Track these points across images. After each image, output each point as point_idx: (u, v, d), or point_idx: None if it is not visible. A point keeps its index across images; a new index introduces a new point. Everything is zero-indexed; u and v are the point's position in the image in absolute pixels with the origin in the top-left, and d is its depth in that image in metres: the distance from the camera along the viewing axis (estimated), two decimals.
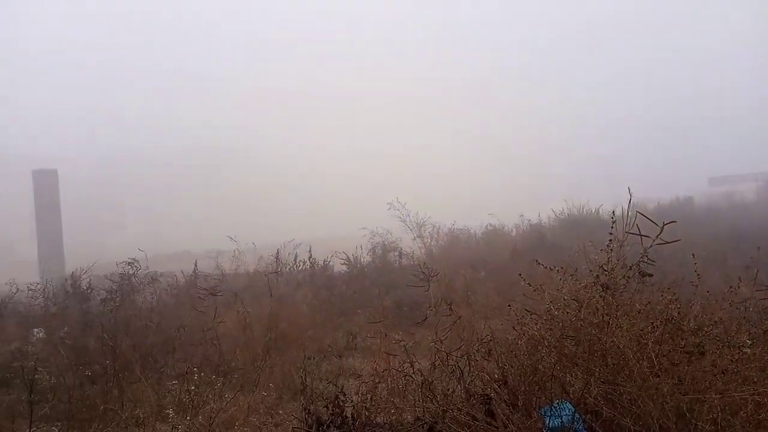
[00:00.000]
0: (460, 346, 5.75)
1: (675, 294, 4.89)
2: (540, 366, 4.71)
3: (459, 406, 4.78)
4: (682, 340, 4.57)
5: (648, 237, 4.90)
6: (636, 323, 4.69)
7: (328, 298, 14.99)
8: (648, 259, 4.89)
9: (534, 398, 4.69)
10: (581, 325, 4.65)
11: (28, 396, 6.90)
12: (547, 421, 4.35)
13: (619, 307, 4.77)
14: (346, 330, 11.92)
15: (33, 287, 14.57)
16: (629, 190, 5.30)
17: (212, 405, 6.56)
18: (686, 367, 4.41)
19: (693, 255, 5.17)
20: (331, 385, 6.50)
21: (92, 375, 8.24)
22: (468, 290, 10.74)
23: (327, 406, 5.62)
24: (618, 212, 5.28)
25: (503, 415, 4.54)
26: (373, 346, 9.22)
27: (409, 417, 5.45)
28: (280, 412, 7.00)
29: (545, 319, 5.02)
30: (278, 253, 17.91)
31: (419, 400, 5.26)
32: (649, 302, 4.94)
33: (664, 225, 4.86)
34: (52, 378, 8.34)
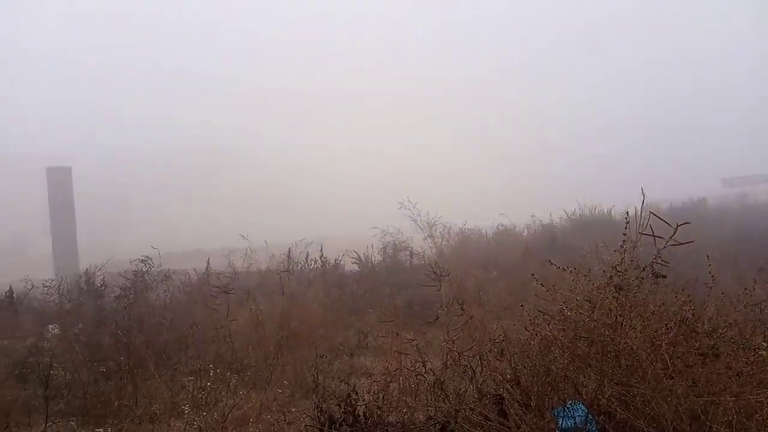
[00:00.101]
0: (472, 346, 5.75)
1: (689, 295, 4.87)
2: (553, 366, 4.71)
3: (471, 406, 4.79)
4: (696, 341, 4.55)
5: (661, 238, 4.89)
6: (650, 324, 4.68)
7: (339, 296, 15.03)
8: (661, 260, 4.87)
9: (547, 399, 4.68)
10: (594, 325, 4.64)
11: (44, 391, 7.00)
12: (560, 422, 4.35)
13: (633, 308, 4.75)
14: (358, 329, 11.94)
15: (48, 284, 14.72)
16: (642, 190, 5.29)
17: (226, 402, 6.61)
18: (700, 369, 4.40)
19: (707, 256, 5.15)
20: (343, 384, 6.53)
21: (106, 371, 8.31)
22: (479, 290, 10.73)
23: (339, 405, 5.65)
24: (631, 213, 5.26)
25: (516, 415, 4.54)
26: (385, 345, 9.23)
27: (421, 416, 5.47)
28: (293, 410, 7.04)
29: (558, 320, 5.01)
30: (290, 251, 17.98)
31: (431, 400, 5.27)
32: (663, 303, 4.92)
33: (677, 226, 4.84)
34: (67, 374, 8.43)
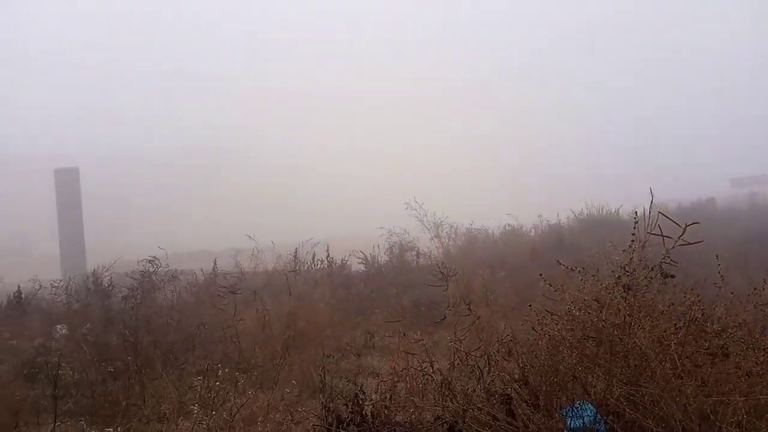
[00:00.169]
0: (480, 346, 5.75)
1: (698, 295, 4.85)
2: (561, 366, 4.69)
3: (479, 406, 4.78)
4: (705, 341, 4.53)
5: (670, 238, 4.86)
6: (658, 324, 4.66)
7: (345, 296, 15.04)
8: (670, 260, 4.85)
9: (555, 399, 4.67)
10: (603, 325, 4.63)
11: (53, 391, 7.04)
12: (569, 422, 4.34)
13: (641, 308, 4.73)
14: (364, 329, 11.95)
15: (56, 284, 14.78)
16: (651, 190, 5.26)
17: (233, 402, 6.62)
18: (710, 369, 4.38)
19: (716, 256, 5.12)
20: (350, 384, 6.53)
21: (114, 371, 8.35)
22: (487, 290, 10.72)
23: (346, 404, 5.65)
24: (639, 213, 5.24)
25: (524, 415, 4.53)
26: (391, 345, 9.22)
27: (428, 416, 5.46)
28: (300, 409, 7.04)
29: (566, 320, 5.00)
30: (296, 251, 18.01)
31: (439, 400, 5.27)
32: (672, 303, 4.90)
33: (686, 226, 4.82)
34: (76, 374, 8.47)
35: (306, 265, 18.09)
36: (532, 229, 26.10)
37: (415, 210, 23.61)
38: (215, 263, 17.58)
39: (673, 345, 4.41)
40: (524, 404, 4.67)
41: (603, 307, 4.75)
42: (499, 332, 5.90)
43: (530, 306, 5.55)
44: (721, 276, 4.95)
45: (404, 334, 8.08)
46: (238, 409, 6.35)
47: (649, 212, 5.20)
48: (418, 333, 7.96)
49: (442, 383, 5.28)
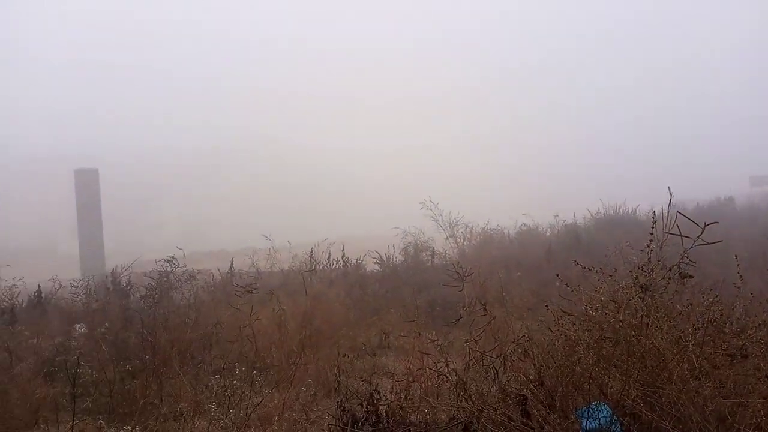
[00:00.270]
0: (495, 347, 5.73)
1: (716, 295, 4.80)
2: (577, 367, 4.67)
3: (494, 406, 4.77)
4: (724, 342, 4.49)
5: (688, 237, 4.82)
6: (676, 325, 4.62)
7: (361, 296, 15.06)
8: (689, 259, 4.81)
9: (571, 399, 4.65)
10: (620, 326, 4.60)
11: (71, 389, 7.13)
12: (584, 423, 4.31)
13: (659, 308, 4.70)
14: (379, 328, 11.95)
15: (75, 284, 14.97)
16: (669, 189, 5.21)
17: (249, 401, 6.66)
18: (728, 371, 4.33)
19: (735, 256, 5.06)
20: (365, 384, 6.54)
21: (132, 370, 8.42)
22: (502, 290, 10.66)
23: (362, 404, 5.66)
24: (657, 212, 5.20)
25: (539, 415, 4.51)
26: (406, 345, 9.22)
27: (443, 416, 5.46)
28: (315, 409, 7.07)
29: (583, 320, 4.97)
30: (312, 251, 18.08)
31: (454, 400, 5.26)
32: (691, 304, 4.85)
33: (705, 225, 4.77)
34: (94, 372, 8.57)
35: (321, 265, 18.15)
36: (548, 229, 25.95)
37: (431, 210, 23.62)
38: (232, 263, 17.72)
39: (691, 346, 4.37)
40: (540, 405, 4.65)
41: (620, 308, 4.72)
42: (515, 332, 5.87)
43: (546, 306, 5.52)
44: (740, 276, 4.90)
45: (419, 334, 8.08)
46: (254, 408, 6.39)
47: (668, 211, 5.15)
48: (433, 333, 7.98)
49: (457, 383, 5.27)
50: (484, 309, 6.51)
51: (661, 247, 5.00)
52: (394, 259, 20.04)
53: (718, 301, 4.75)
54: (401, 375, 7.08)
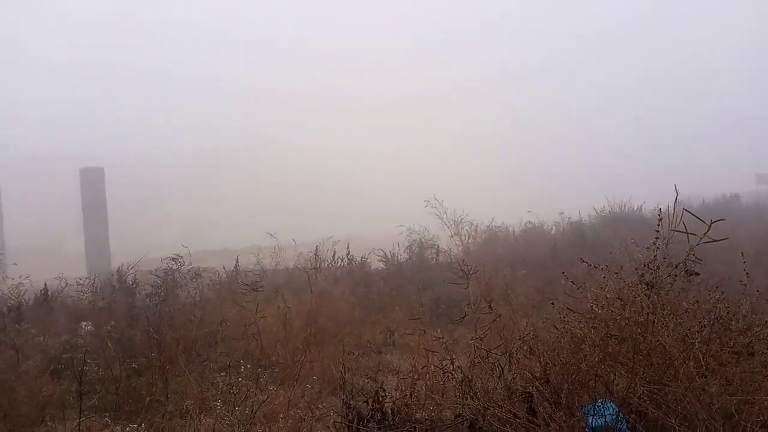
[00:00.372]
0: (501, 344, 5.73)
1: (723, 293, 4.79)
2: (583, 364, 4.66)
3: (500, 404, 4.77)
4: (730, 340, 4.48)
5: (694, 235, 4.81)
6: (682, 322, 4.61)
7: (366, 294, 15.06)
8: (695, 257, 4.80)
9: (577, 397, 4.64)
10: (626, 323, 4.59)
11: (78, 387, 7.14)
12: (590, 421, 4.31)
13: (665, 305, 4.69)
14: (384, 326, 11.97)
15: (81, 282, 15.01)
16: (675, 187, 5.19)
17: (255, 398, 6.68)
18: (734, 368, 4.32)
19: (742, 254, 5.05)
20: (370, 381, 6.55)
21: (138, 367, 8.45)
22: (507, 288, 10.66)
23: (367, 401, 5.67)
24: (663, 210, 5.19)
25: (545, 413, 4.51)
26: (412, 343, 9.23)
27: (448, 414, 5.47)
28: (321, 406, 7.09)
29: (588, 318, 4.97)
30: (317, 249, 18.11)
31: (459, 397, 5.27)
32: (697, 301, 4.84)
33: (711, 223, 4.76)
34: (100, 370, 8.61)
35: (326, 263, 18.18)
36: (553, 227, 25.90)
37: (435, 208, 23.61)
38: (237, 261, 17.75)
39: (697, 343, 4.36)
40: (545, 402, 4.65)
41: (626, 305, 4.71)
42: (521, 330, 5.87)
43: (552, 304, 5.51)
44: (747, 274, 4.89)
45: (424, 332, 8.08)
46: (259, 406, 6.41)
47: (674, 209, 5.14)
48: (438, 331, 7.97)
49: (462, 381, 5.28)
50: (489, 307, 6.52)
51: (667, 245, 4.99)
52: (399, 257, 20.04)
53: (724, 298, 4.74)
54: (406, 372, 7.09)
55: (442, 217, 23.75)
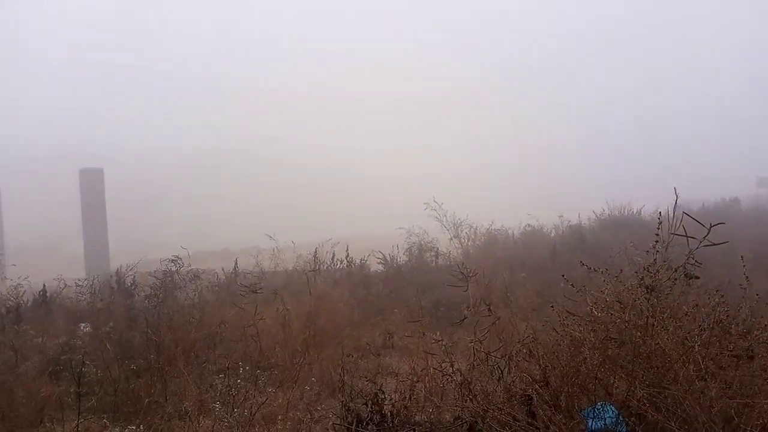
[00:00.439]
0: (500, 347, 5.73)
1: (722, 296, 4.79)
2: (583, 367, 4.66)
3: (499, 406, 4.76)
4: (730, 343, 4.48)
5: (694, 238, 4.81)
6: (682, 326, 4.61)
7: (365, 296, 15.07)
8: (695, 261, 4.80)
9: (576, 400, 4.64)
10: (625, 327, 4.59)
11: (76, 388, 7.15)
12: (590, 423, 4.30)
13: (665, 309, 4.69)
14: (384, 329, 11.96)
15: (80, 283, 15.00)
16: (675, 190, 5.20)
17: (253, 400, 6.68)
18: (734, 371, 4.32)
19: (742, 257, 5.05)
20: (369, 383, 6.54)
21: (137, 369, 8.44)
22: (507, 291, 10.68)
23: (366, 404, 5.66)
24: (662, 213, 5.19)
25: (544, 416, 4.50)
26: (411, 345, 9.23)
27: (448, 416, 5.46)
28: (319, 408, 7.08)
29: (588, 321, 4.97)
30: (316, 251, 18.11)
31: (458, 400, 5.26)
32: (697, 305, 4.84)
33: (711, 226, 4.76)
34: (99, 371, 8.60)
35: (326, 265, 18.17)
36: (553, 230, 25.94)
37: (435, 210, 23.62)
38: (236, 263, 17.75)
39: (696, 347, 4.36)
40: (545, 405, 4.64)
41: (626, 308, 4.71)
42: (520, 333, 5.87)
43: (552, 306, 5.51)
44: (747, 277, 4.89)
45: (423, 334, 8.07)
46: (258, 407, 6.40)
47: (673, 212, 5.14)
48: (438, 333, 7.96)
49: (461, 383, 5.27)
50: (489, 309, 6.52)
51: (666, 248, 4.99)
52: (399, 260, 20.05)
53: (724, 302, 4.75)
54: (405, 375, 7.07)
55: (441, 219, 23.78)
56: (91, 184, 37.37)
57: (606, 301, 4.97)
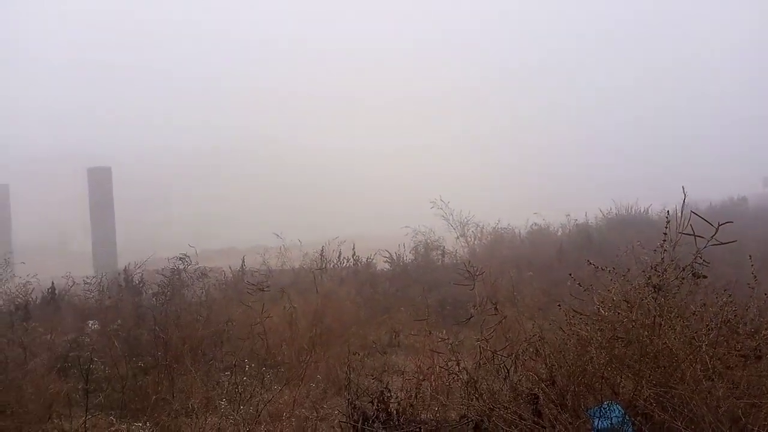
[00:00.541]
0: (506, 346, 5.72)
1: (730, 296, 4.77)
2: (589, 367, 4.65)
3: (505, 405, 4.76)
4: (737, 343, 4.46)
5: (702, 237, 4.79)
6: (689, 325, 4.59)
7: (371, 295, 15.07)
8: (702, 260, 4.78)
9: (582, 399, 4.63)
10: (632, 326, 4.58)
11: (84, 385, 7.18)
12: (596, 423, 4.30)
13: (672, 308, 4.67)
14: (390, 327, 11.97)
15: (88, 281, 15.07)
16: (683, 189, 5.17)
17: (260, 397, 6.69)
18: (742, 371, 4.31)
19: (749, 257, 5.02)
20: (375, 381, 6.55)
21: (144, 366, 8.48)
22: (513, 290, 10.65)
23: (372, 402, 5.67)
24: (670, 212, 5.17)
25: (551, 415, 4.50)
26: (417, 344, 9.24)
27: (454, 415, 5.47)
28: (325, 406, 7.10)
29: (595, 320, 4.96)
30: (323, 250, 18.13)
31: (464, 398, 5.26)
32: (704, 304, 4.82)
33: (719, 225, 4.74)
34: (107, 368, 8.64)
35: (332, 264, 18.20)
36: (559, 229, 25.85)
37: (441, 209, 23.61)
38: (243, 261, 17.79)
39: (704, 346, 4.34)
40: (551, 404, 4.64)
41: (633, 308, 4.70)
42: (526, 332, 5.86)
43: (558, 305, 5.50)
44: (755, 277, 4.86)
45: (430, 333, 8.07)
46: (264, 405, 6.43)
47: (681, 211, 5.12)
48: (444, 332, 7.96)
49: (467, 382, 5.27)
50: (495, 308, 6.50)
51: (674, 247, 4.97)
52: (405, 258, 20.04)
53: (731, 301, 4.72)
54: (412, 373, 7.09)
55: (448, 218, 23.76)
56: (100, 182, 37.54)
57: (613, 300, 4.96)
